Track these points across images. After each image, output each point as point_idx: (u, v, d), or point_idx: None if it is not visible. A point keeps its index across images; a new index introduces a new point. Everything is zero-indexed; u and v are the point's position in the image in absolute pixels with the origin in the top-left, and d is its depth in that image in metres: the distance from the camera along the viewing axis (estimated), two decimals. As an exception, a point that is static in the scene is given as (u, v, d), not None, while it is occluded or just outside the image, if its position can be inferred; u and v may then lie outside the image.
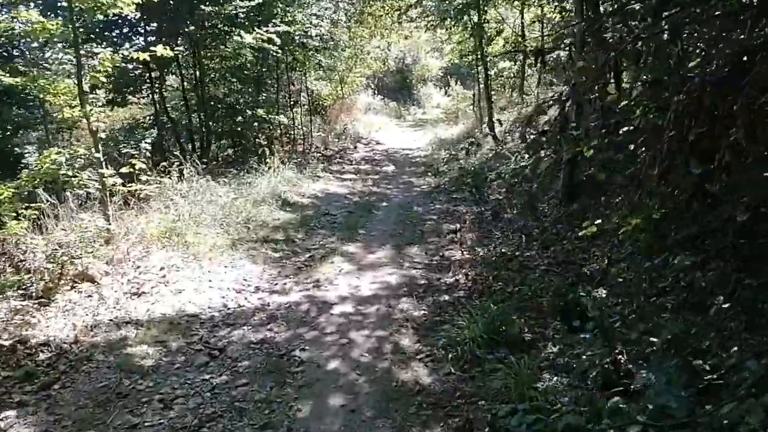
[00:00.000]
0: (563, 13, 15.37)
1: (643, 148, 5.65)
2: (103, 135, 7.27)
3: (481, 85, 18.73)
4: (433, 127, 22.73)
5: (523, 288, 6.01)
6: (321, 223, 9.16)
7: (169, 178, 8.59)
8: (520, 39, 16.96)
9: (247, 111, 12.00)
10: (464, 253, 7.53)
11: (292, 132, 16.58)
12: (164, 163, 8.42)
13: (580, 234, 6.72)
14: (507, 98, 19.86)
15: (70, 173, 6.46)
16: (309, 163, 14.14)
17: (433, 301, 5.93)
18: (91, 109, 6.63)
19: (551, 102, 6.07)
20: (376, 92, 27.88)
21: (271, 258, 7.35)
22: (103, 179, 6.74)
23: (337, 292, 6.21)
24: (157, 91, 11.49)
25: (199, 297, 5.96)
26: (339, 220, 9.41)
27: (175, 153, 8.76)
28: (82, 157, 6.85)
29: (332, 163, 15.45)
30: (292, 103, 17.54)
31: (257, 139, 11.67)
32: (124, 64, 10.33)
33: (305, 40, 13.92)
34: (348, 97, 23.54)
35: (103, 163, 6.78)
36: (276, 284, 6.46)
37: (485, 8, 14.97)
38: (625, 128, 5.85)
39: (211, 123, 12.17)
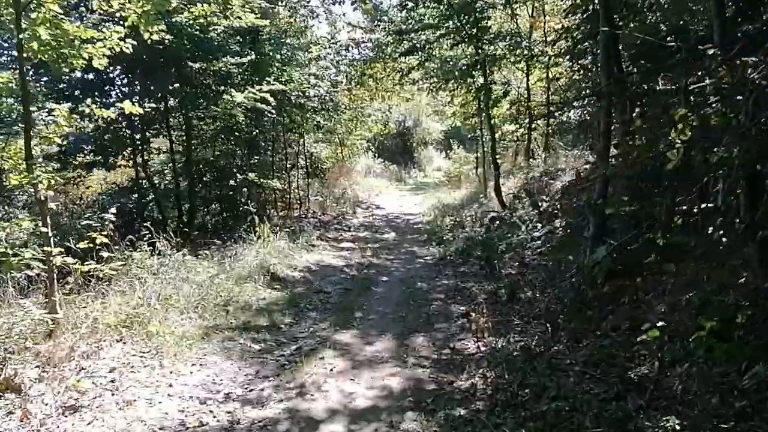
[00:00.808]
0: (579, 71, 14.62)
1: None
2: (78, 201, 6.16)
3: (485, 148, 17.90)
4: (435, 190, 21.78)
5: (557, 399, 4.75)
6: (312, 304, 7.93)
7: (140, 253, 7.44)
8: (525, 101, 16.17)
9: (238, 175, 10.95)
10: (479, 344, 6.28)
11: (289, 196, 15.55)
12: (131, 237, 7.24)
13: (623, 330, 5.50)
14: (512, 162, 18.95)
15: (10, 251, 5.30)
16: (304, 230, 13.00)
17: (445, 417, 4.65)
18: (38, 175, 5.52)
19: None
20: (376, 155, 27.13)
21: (250, 352, 6.09)
22: (50, 258, 5.57)
23: (326, 403, 4.92)
24: (139, 153, 10.47)
25: (151, 411, 4.68)
26: (333, 299, 8.19)
27: (145, 225, 7.55)
28: (27, 231, 5.70)
29: (329, 230, 14.33)
30: (289, 166, 16.63)
31: (246, 206, 10.55)
32: (104, 125, 9.47)
33: (303, 101, 13.06)
34: (348, 160, 22.74)
35: (51, 239, 5.62)
36: (251, 390, 5.18)
37: (491, 69, 14.17)
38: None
39: (198, 187, 11.11)
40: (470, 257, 10.50)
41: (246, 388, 5.20)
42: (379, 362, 5.86)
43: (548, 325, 6.48)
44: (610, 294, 6.71)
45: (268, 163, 13.90)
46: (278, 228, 11.74)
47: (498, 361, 5.65)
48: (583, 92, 13.37)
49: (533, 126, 16.75)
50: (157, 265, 7.41)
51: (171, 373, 5.39)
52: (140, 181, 10.44)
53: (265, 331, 6.68)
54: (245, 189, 10.93)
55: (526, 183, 14.02)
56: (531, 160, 16.42)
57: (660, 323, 4.43)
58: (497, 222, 13.12)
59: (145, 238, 7.49)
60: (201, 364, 5.66)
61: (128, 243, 7.25)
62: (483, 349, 6.17)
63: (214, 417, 4.67)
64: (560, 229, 10.23)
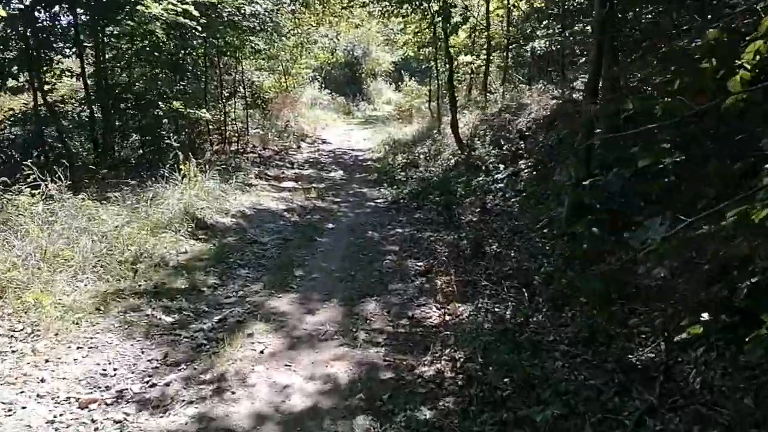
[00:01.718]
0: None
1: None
2: None
3: (440, 81, 16.51)
4: (385, 125, 20.32)
5: (546, 392, 3.71)
6: (244, 259, 6.61)
7: (25, 197, 5.91)
8: (484, 29, 14.74)
9: (160, 103, 9.27)
10: (443, 313, 5.18)
11: (224, 129, 13.86)
12: (5, 179, 5.69)
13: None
14: (466, 97, 17.64)
15: None
16: (241, 167, 11.49)
17: (406, 422, 3.54)
18: None
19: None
20: (323, 86, 25.25)
21: (159, 326, 4.78)
22: None
23: (251, 405, 3.72)
24: (36, 74, 8.62)
25: (6, 424, 3.38)
26: (270, 253, 6.89)
27: (26, 163, 6.00)
28: None
29: (270, 167, 12.85)
30: (226, 95, 14.83)
31: (168, 140, 8.92)
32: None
33: (237, 19, 11.25)
34: (292, 91, 20.88)
35: None
36: (153, 385, 3.91)
37: (452, -9, 12.60)
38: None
39: (113, 117, 9.40)
40: (426, 201, 9.33)
41: (147, 383, 3.93)
42: (322, 339, 4.68)
43: (523, 289, 5.42)
44: (592, 247, 5.69)
45: (200, 91, 12.13)
46: (210, 165, 10.23)
47: (468, 337, 4.56)
48: (552, 20, 12.08)
49: (490, 58, 15.39)
50: (46, 212, 5.91)
51: (47, 361, 4.05)
52: (39, 109, 8.62)
53: (182, 297, 5.36)
54: (166, 120, 9.26)
55: (485, 119, 12.80)
56: (488, 94, 15.13)
57: (696, 327, 3.30)
58: (454, 161, 11.96)
59: (29, 179, 5.93)
60: (90, 347, 4.33)
61: (3, 185, 5.69)
62: (448, 318, 5.08)
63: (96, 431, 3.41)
64: (525, 171, 9.14)
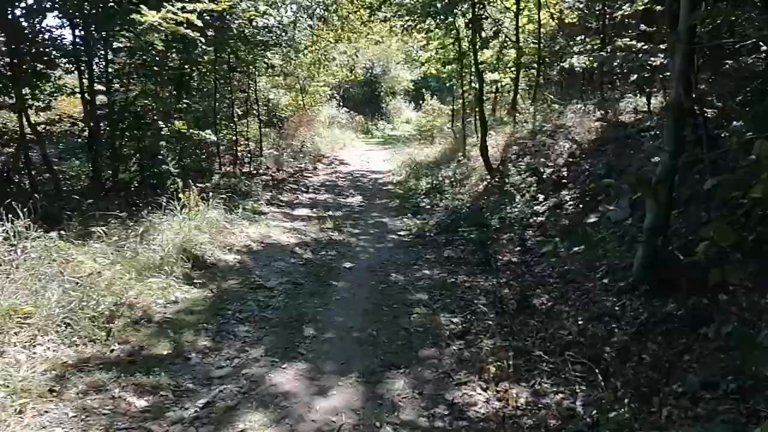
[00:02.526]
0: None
1: None
2: None
3: (464, 99, 15.44)
4: (405, 145, 19.25)
5: None
6: (245, 311, 5.46)
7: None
8: (514, 44, 13.63)
9: (160, 123, 8.25)
10: (492, 399, 4.00)
11: (235, 150, 12.87)
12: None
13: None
14: (491, 116, 16.50)
15: None
16: (251, 192, 10.46)
17: None
18: None
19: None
20: (341, 104, 24.33)
21: (126, 417, 3.64)
22: None
23: None
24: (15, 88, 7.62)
25: None
26: (276, 302, 5.74)
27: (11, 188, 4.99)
28: None
29: (283, 191, 11.80)
30: (239, 113, 13.87)
31: (166, 164, 7.85)
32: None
33: (247, 32, 10.26)
34: (309, 109, 19.94)
35: None
36: None
37: (482, 2, 11.51)
38: None
39: (107, 139, 8.39)
40: (455, 235, 8.18)
41: None
42: (335, 438, 3.53)
43: (592, 365, 4.23)
44: (678, 313, 4.49)
45: (209, 109, 11.17)
46: (217, 190, 9.19)
47: (529, 441, 3.38)
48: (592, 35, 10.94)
49: (519, 76, 14.26)
50: (8, 254, 4.86)
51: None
52: (25, 130, 7.63)
53: (161, 369, 4.23)
54: (164, 142, 8.22)
55: (516, 141, 11.65)
56: (517, 114, 13.97)
57: None
58: (483, 188, 10.81)
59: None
60: (27, 454, 3.22)
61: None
62: (498, 405, 3.90)
63: None
64: (570, 203, 7.96)
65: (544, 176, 8.89)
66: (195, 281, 6.02)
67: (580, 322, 4.93)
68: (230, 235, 7.69)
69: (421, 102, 23.99)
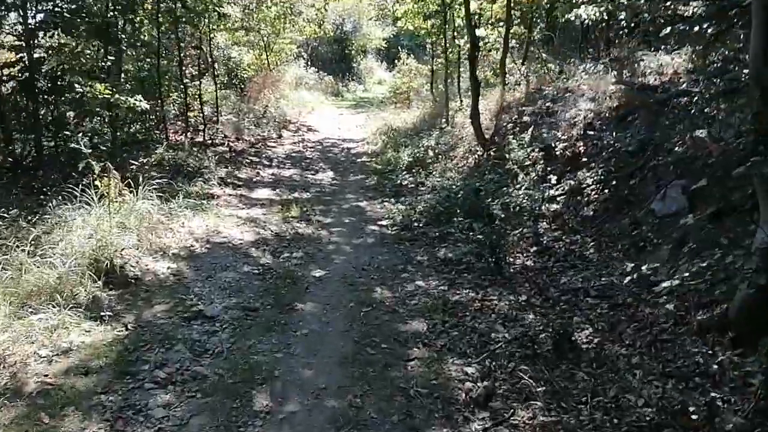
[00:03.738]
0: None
1: None
2: None
3: (447, 56, 13.58)
4: (380, 109, 17.32)
5: None
6: (170, 365, 3.68)
7: None
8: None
9: (76, 86, 6.28)
10: None
11: (186, 116, 10.88)
12: None
13: None
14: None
15: None
16: (202, 170, 8.58)
17: None
18: None
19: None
20: (309, 64, 22.12)
21: None
22: None
23: None
24: None
25: None
26: (216, 346, 3.97)
27: None
28: None
29: (242, 165, 9.93)
30: (192, 74, 11.85)
31: (74, 141, 5.85)
32: None
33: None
34: (274, 69, 17.81)
35: None
36: None
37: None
38: None
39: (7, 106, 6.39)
40: (450, 226, 6.53)
41: None
42: None
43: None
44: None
45: (153, 69, 9.15)
46: (156, 169, 7.34)
47: None
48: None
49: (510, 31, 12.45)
50: None
51: None
52: None
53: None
54: (71, 113, 6.25)
55: (510, 107, 9.93)
56: (506, 75, 12.20)
57: None
58: (474, 162, 9.13)
59: None
60: None
61: None
62: None
63: None
64: (592, 186, 6.33)
65: (556, 151, 7.23)
66: (104, 311, 4.23)
67: (655, 384, 3.34)
68: (166, 232, 5.88)
69: (395, 62, 21.95)
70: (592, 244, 5.55)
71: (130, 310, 4.35)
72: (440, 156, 10.04)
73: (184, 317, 4.31)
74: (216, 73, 12.89)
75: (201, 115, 11.37)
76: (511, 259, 5.57)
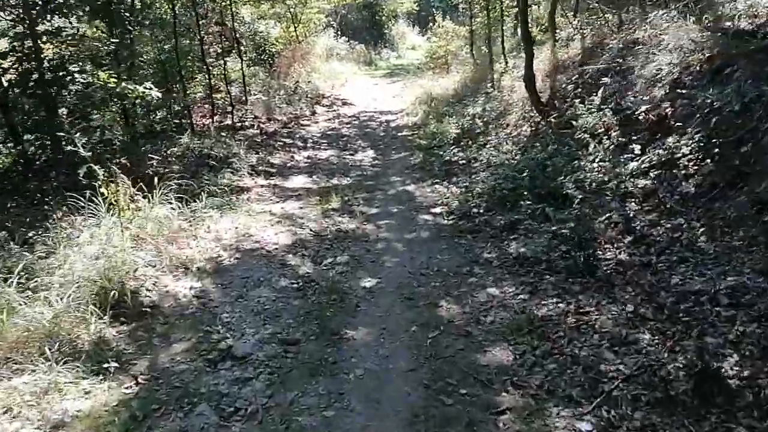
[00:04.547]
0: None
1: None
2: None
3: (489, 16, 12.28)
4: (416, 77, 16.13)
5: None
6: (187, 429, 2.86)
7: None
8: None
9: (76, 75, 5.39)
10: None
11: (212, 99, 9.98)
12: None
13: None
14: (514, 35, 13.30)
15: None
16: (230, 159, 7.67)
17: None
18: None
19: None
20: (339, 33, 20.88)
21: None
22: None
23: None
24: None
25: None
26: (248, 404, 3.05)
27: None
28: None
29: (274, 149, 8.98)
30: (216, 52, 10.92)
31: (69, 142, 4.91)
32: None
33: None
34: (303, 41, 16.72)
35: None
36: None
37: None
38: None
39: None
40: (517, 212, 5.45)
41: None
42: None
43: None
44: None
45: (171, 52, 8.22)
46: (180, 159, 6.46)
47: None
48: None
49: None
50: None
51: None
52: None
53: None
54: (65, 111, 5.34)
55: (566, 66, 8.64)
56: (557, 31, 10.79)
57: None
58: (530, 131, 7.95)
59: None
60: None
61: None
62: None
63: None
64: (688, 156, 5.13)
65: (636, 115, 6.01)
66: (109, 361, 3.35)
67: None
68: (189, 240, 5.00)
69: (430, 25, 20.47)
70: (702, 230, 4.40)
71: (142, 353, 3.48)
72: (490, 125, 8.89)
73: (208, 359, 3.42)
74: (243, 49, 11.92)
75: (228, 96, 10.44)
76: (601, 253, 4.49)
